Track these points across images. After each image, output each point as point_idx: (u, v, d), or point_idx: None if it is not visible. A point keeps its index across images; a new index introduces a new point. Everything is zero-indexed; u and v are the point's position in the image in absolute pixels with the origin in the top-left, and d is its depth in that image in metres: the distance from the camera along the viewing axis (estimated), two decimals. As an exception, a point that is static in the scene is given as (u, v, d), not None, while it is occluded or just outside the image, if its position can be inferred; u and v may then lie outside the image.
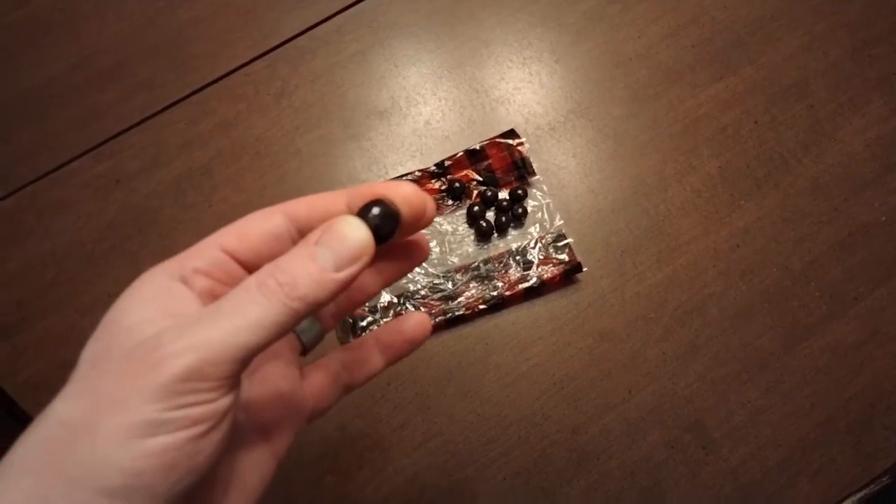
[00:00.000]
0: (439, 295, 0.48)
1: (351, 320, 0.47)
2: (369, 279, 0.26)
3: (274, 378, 0.25)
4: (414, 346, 0.28)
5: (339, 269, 0.20)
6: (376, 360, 0.28)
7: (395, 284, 0.48)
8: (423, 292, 0.48)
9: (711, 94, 0.53)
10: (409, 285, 0.48)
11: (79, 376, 0.19)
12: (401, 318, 0.28)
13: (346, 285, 0.20)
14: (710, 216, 0.50)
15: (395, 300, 0.48)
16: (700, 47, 0.54)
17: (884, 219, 0.50)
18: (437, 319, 0.47)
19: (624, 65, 0.54)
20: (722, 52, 0.54)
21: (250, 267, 0.22)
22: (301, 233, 0.22)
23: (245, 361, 0.19)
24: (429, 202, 0.23)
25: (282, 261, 0.20)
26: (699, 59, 0.54)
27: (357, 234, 0.20)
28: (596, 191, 0.51)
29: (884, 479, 0.47)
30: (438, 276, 0.48)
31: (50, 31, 0.55)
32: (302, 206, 0.22)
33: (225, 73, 0.54)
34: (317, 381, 0.27)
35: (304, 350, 0.26)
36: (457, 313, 0.47)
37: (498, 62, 0.54)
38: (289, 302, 0.19)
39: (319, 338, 0.26)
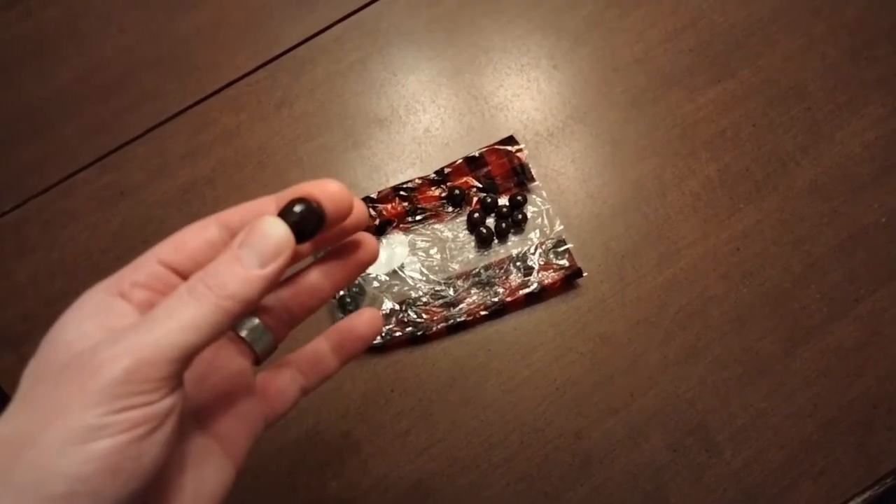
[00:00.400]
0: (441, 301, 0.48)
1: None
2: (318, 283, 0.27)
3: (224, 385, 0.25)
4: (367, 343, 0.29)
5: (263, 265, 0.21)
6: (330, 361, 0.28)
7: (398, 291, 0.49)
8: (424, 299, 0.48)
9: (710, 98, 0.53)
10: (411, 292, 0.49)
11: (20, 395, 0.20)
12: (352, 315, 0.28)
13: (273, 280, 0.21)
14: (709, 220, 0.50)
15: (397, 307, 0.48)
16: (698, 51, 0.54)
17: (883, 220, 0.50)
18: (438, 326, 0.48)
19: (622, 69, 0.54)
20: (720, 55, 0.54)
21: (189, 277, 0.22)
22: None
23: (183, 361, 0.20)
24: (356, 200, 0.24)
25: (210, 266, 0.21)
26: (697, 63, 0.54)
27: (276, 230, 0.21)
28: (595, 196, 0.51)
29: (888, 480, 0.47)
30: (440, 283, 0.49)
31: (54, 44, 0.55)
32: (235, 214, 0.24)
33: (227, 84, 0.54)
34: (271, 386, 0.27)
35: (258, 359, 0.27)
36: (458, 320, 0.48)
37: (496, 69, 0.54)
38: (219, 302, 0.20)
39: (272, 347, 0.27)
